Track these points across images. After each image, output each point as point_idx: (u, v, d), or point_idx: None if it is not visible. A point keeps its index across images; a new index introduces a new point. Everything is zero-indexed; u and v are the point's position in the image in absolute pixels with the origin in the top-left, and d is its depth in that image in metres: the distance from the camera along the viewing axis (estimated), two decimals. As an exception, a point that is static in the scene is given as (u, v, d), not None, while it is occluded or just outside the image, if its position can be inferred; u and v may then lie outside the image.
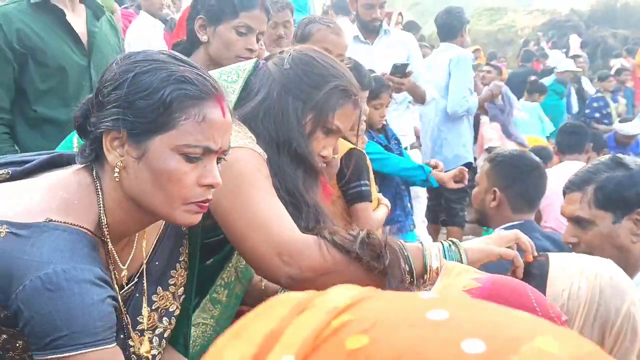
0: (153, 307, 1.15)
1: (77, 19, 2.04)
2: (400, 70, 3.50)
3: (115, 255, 1.07)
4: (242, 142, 1.24)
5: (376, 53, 3.62)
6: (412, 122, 4.06)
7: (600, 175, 1.57)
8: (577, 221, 1.61)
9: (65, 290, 0.92)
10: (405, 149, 3.74)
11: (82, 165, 1.05)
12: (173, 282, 1.19)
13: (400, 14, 7.05)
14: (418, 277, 1.22)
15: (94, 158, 1.04)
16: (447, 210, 4.21)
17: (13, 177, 1.06)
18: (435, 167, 3.15)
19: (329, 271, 1.18)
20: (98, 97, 1.01)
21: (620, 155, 1.70)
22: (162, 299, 1.16)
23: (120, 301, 1.07)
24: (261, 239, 1.18)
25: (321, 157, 1.39)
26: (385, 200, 2.57)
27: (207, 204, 1.06)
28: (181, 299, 1.20)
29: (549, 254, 1.19)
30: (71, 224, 0.98)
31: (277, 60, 1.40)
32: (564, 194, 1.65)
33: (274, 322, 0.37)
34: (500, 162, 2.14)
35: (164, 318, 1.16)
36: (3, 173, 1.06)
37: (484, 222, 2.26)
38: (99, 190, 1.03)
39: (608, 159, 1.64)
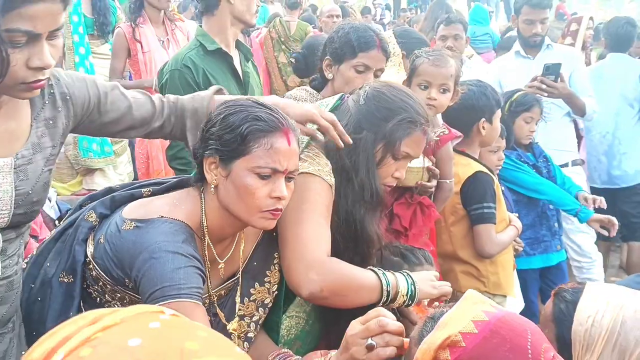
0: (251, 299, 1.55)
1: (236, 62, 2.57)
2: (553, 71, 3.45)
3: (213, 249, 1.45)
4: (314, 169, 1.59)
5: (537, 67, 3.62)
6: (574, 135, 3.93)
7: None
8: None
9: (162, 258, 1.29)
10: (566, 165, 3.72)
11: (195, 185, 1.47)
12: (268, 279, 1.58)
13: (591, 18, 6.67)
14: (391, 302, 1.54)
15: (200, 178, 1.45)
16: (626, 226, 4.02)
17: (154, 194, 1.54)
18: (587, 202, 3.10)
19: (341, 295, 1.49)
20: (201, 134, 1.43)
21: None
22: (259, 292, 1.56)
23: (209, 281, 1.47)
24: (297, 254, 1.48)
25: (395, 178, 1.69)
26: (517, 222, 2.67)
27: (279, 213, 1.40)
28: (274, 294, 1.58)
29: (587, 282, 1.30)
30: (176, 219, 1.38)
31: (355, 97, 1.73)
32: None
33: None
34: None
35: (260, 308, 1.56)
36: (146, 191, 1.55)
37: None
38: (203, 201, 1.43)
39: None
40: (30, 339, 1.48)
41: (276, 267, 1.59)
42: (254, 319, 1.56)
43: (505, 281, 2.56)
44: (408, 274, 1.58)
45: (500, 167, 2.83)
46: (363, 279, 1.52)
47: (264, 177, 1.37)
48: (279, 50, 5.45)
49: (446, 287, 1.61)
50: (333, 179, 1.61)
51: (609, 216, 2.96)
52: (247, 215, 1.39)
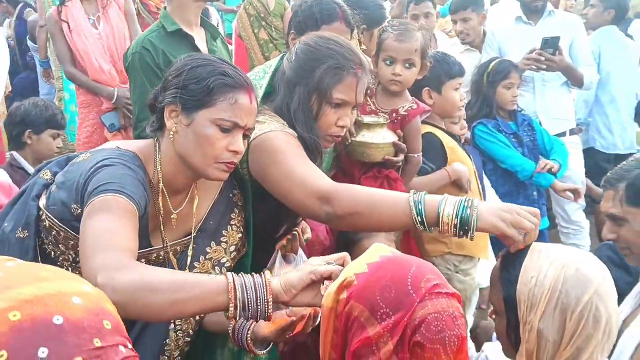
0: (207, 257, 1.64)
1: (201, 42, 2.63)
2: (552, 45, 3.51)
3: (168, 198, 1.53)
4: (274, 127, 1.68)
5: (538, 34, 3.66)
6: (571, 104, 3.99)
7: (631, 173, 1.67)
8: (612, 218, 1.72)
9: (113, 165, 1.41)
10: (564, 134, 3.77)
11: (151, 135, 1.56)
12: (225, 239, 1.67)
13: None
14: (430, 225, 1.45)
15: (158, 127, 1.53)
16: None
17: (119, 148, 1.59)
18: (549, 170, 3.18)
19: (353, 212, 1.50)
20: (164, 82, 1.51)
21: None
22: (215, 252, 1.65)
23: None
24: (302, 190, 1.56)
25: (340, 127, 1.76)
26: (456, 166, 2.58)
27: (233, 166, 1.49)
28: (232, 255, 1.66)
29: (534, 243, 1.35)
30: (130, 150, 1.49)
31: (288, 55, 1.81)
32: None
33: None
34: None
35: (216, 267, 1.64)
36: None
37: None
38: (158, 149, 1.53)
39: (641, 156, 1.71)
40: None
41: (233, 229, 1.68)
42: None
43: (472, 243, 2.59)
44: (467, 199, 1.44)
45: (464, 136, 2.89)
46: (382, 196, 1.53)
47: (225, 130, 1.46)
48: (259, 27, 5.45)
49: (527, 223, 1.37)
50: (294, 132, 1.70)
51: (576, 185, 3.01)
52: (202, 165, 1.48)
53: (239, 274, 1.25)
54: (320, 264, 1.28)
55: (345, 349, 1.07)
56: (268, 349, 1.55)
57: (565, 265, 1.25)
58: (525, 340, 1.25)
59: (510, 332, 1.30)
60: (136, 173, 1.45)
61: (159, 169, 1.53)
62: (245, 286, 1.22)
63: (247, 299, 1.21)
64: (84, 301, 0.66)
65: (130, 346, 0.68)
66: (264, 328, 1.49)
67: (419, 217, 1.45)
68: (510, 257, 1.34)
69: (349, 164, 2.30)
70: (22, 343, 0.60)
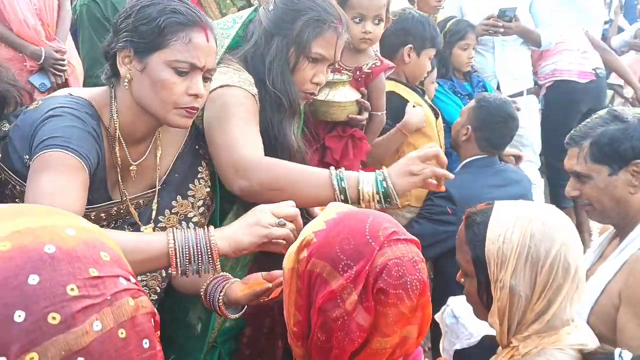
0: (172, 211, 1.61)
1: None
2: (508, 14, 3.65)
3: (125, 147, 1.48)
4: (233, 81, 1.64)
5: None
6: (529, 63, 4.09)
7: (595, 130, 1.72)
8: (576, 175, 1.78)
9: (61, 116, 1.36)
10: (521, 94, 3.85)
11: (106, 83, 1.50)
12: (192, 193, 1.64)
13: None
14: (353, 201, 1.51)
15: (112, 75, 1.47)
16: None
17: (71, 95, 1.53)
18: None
19: (272, 188, 1.51)
20: (114, 27, 1.45)
21: (618, 108, 1.82)
22: (182, 206, 1.62)
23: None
24: (226, 156, 1.55)
25: (314, 84, 1.75)
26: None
27: (195, 111, 1.44)
28: (200, 210, 1.63)
29: (496, 202, 1.39)
30: (82, 97, 1.44)
31: (266, 5, 1.77)
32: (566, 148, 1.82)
33: None
34: (481, 106, 2.61)
35: (183, 222, 1.62)
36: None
37: (456, 150, 2.74)
38: (113, 97, 1.47)
39: (605, 113, 1.77)
40: None
41: (201, 182, 1.65)
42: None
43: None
44: (381, 172, 1.55)
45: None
46: (303, 172, 1.56)
47: (182, 72, 1.40)
48: (216, -19, 5.31)
49: (427, 170, 1.55)
50: (255, 90, 1.67)
51: (517, 151, 3.09)
52: (162, 111, 1.43)
53: (183, 231, 1.25)
54: (270, 222, 1.30)
55: (309, 308, 1.08)
56: (241, 313, 1.54)
57: (531, 220, 1.29)
58: (497, 298, 1.28)
59: (481, 292, 1.33)
60: (85, 124, 1.39)
61: (115, 117, 1.47)
62: (188, 248, 1.22)
63: (189, 261, 1.22)
64: (78, 233, 0.65)
65: (133, 280, 0.66)
66: (237, 291, 1.47)
67: (342, 196, 1.51)
68: (474, 218, 1.37)
69: (313, 123, 2.29)
70: (12, 271, 0.58)
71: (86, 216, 1.48)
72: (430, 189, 1.61)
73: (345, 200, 1.50)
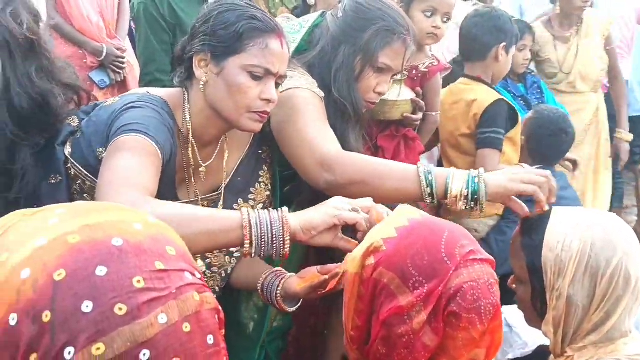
0: None
1: None
2: None
3: (197, 150, 1.52)
4: (301, 83, 1.65)
5: None
6: None
7: None
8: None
9: (140, 108, 1.41)
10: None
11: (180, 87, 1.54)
12: (253, 197, 1.66)
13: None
14: (439, 198, 1.47)
15: (186, 77, 1.51)
16: None
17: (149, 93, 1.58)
18: None
19: (357, 181, 1.51)
20: (192, 30, 1.49)
21: None
22: (243, 208, 1.62)
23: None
24: (307, 153, 1.56)
25: (377, 93, 1.74)
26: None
27: (266, 116, 1.48)
28: None
29: (554, 207, 1.35)
30: (160, 96, 1.48)
31: (334, 11, 1.77)
32: None
33: None
34: (534, 117, 2.60)
35: None
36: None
37: None
38: (187, 100, 1.51)
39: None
40: None
41: (262, 186, 1.68)
42: None
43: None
44: (477, 171, 1.48)
45: None
46: (389, 165, 1.56)
47: (257, 77, 1.44)
48: (265, -19, 5.36)
49: (531, 188, 1.42)
50: (322, 93, 1.68)
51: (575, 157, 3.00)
52: (235, 115, 1.47)
53: (256, 210, 1.23)
54: (344, 207, 1.26)
55: (370, 315, 1.06)
56: (297, 306, 1.54)
57: (591, 228, 1.24)
58: (553, 307, 1.24)
59: (535, 299, 1.29)
60: (163, 119, 1.43)
61: (188, 119, 1.51)
62: (261, 223, 1.21)
63: (262, 236, 1.20)
64: (145, 228, 0.66)
65: (198, 275, 0.67)
66: (295, 285, 1.48)
67: (429, 189, 1.46)
68: (531, 223, 1.33)
69: (366, 123, 2.28)
70: (81, 263, 0.60)
71: None
72: (515, 209, 1.46)
73: (432, 196, 1.47)
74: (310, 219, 1.24)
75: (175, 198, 1.54)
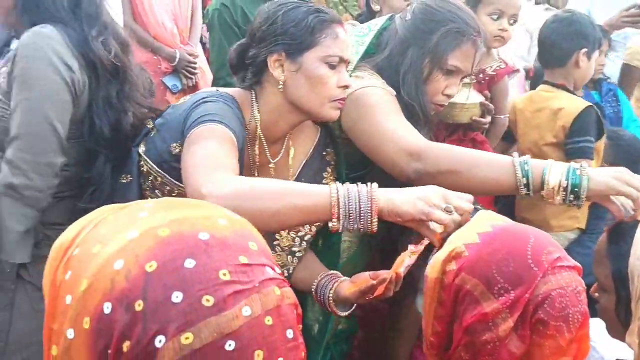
0: None
1: None
2: None
3: (266, 147, 1.56)
4: (371, 82, 1.66)
5: None
6: None
7: None
8: None
9: (213, 101, 1.46)
10: None
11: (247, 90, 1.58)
12: None
13: None
14: (535, 190, 1.41)
15: (255, 81, 1.54)
16: None
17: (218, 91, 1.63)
18: None
19: (448, 170, 1.47)
20: (255, 35, 1.52)
21: None
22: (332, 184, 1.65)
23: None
24: (391, 146, 1.54)
25: (446, 96, 1.72)
26: None
27: (344, 102, 1.52)
28: None
29: None
30: (230, 94, 1.52)
31: (403, 14, 1.77)
32: None
33: None
34: (613, 144, 2.46)
35: (305, 226, 1.64)
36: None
37: None
38: (254, 100, 1.54)
39: None
40: None
41: None
42: (299, 234, 1.67)
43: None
44: (579, 163, 1.43)
45: None
46: (482, 155, 1.53)
47: (333, 66, 1.49)
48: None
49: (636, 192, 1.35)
50: (394, 91, 1.67)
51: None
52: (317, 106, 1.51)
53: (345, 185, 1.23)
54: (438, 204, 1.20)
55: (451, 321, 1.04)
56: (350, 311, 1.55)
57: None
58: (639, 317, 1.20)
59: (619, 309, 1.24)
60: (234, 112, 1.48)
61: (257, 116, 1.54)
62: (349, 199, 1.20)
63: (350, 212, 1.19)
64: (229, 223, 0.68)
65: (278, 271, 0.68)
66: (345, 289, 1.49)
67: (524, 179, 1.40)
68: (618, 230, 1.29)
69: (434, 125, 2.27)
70: (170, 255, 0.62)
71: None
72: (612, 210, 1.39)
73: (527, 187, 1.41)
74: (398, 206, 1.20)
75: None
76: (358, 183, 1.22)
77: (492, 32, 2.28)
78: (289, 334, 0.66)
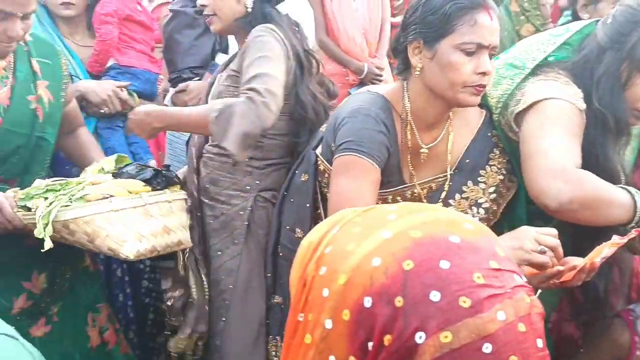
0: (463, 196, 1.68)
1: None
2: None
3: (416, 131, 1.64)
4: (560, 94, 1.58)
5: None
6: None
7: None
8: None
9: (355, 118, 1.60)
10: None
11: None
12: (483, 180, 1.69)
13: None
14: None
15: (403, 69, 1.65)
16: None
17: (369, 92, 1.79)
18: None
19: (591, 207, 1.45)
20: (403, 23, 1.62)
21: None
22: (473, 191, 1.68)
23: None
24: (541, 164, 1.49)
25: None
26: None
27: (482, 89, 1.54)
28: (491, 196, 1.68)
29: None
30: (377, 92, 1.67)
31: (605, 18, 1.66)
32: None
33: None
34: None
35: (473, 207, 1.67)
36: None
37: None
38: (405, 87, 1.65)
39: None
40: None
41: (492, 169, 1.69)
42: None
43: None
44: None
45: None
46: (616, 193, 1.50)
47: (469, 53, 1.52)
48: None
49: None
50: (584, 105, 1.59)
51: None
52: (451, 92, 1.56)
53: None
54: (534, 248, 1.34)
55: None
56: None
57: None
58: None
59: None
60: (376, 122, 1.59)
61: (407, 105, 1.63)
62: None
63: None
64: (475, 228, 0.70)
65: (524, 279, 0.68)
66: (527, 273, 1.43)
67: (637, 218, 1.44)
68: None
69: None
70: (426, 256, 0.65)
71: (383, 199, 1.67)
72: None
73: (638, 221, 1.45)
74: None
75: (402, 183, 1.67)
76: None
77: None
78: (539, 343, 0.65)
